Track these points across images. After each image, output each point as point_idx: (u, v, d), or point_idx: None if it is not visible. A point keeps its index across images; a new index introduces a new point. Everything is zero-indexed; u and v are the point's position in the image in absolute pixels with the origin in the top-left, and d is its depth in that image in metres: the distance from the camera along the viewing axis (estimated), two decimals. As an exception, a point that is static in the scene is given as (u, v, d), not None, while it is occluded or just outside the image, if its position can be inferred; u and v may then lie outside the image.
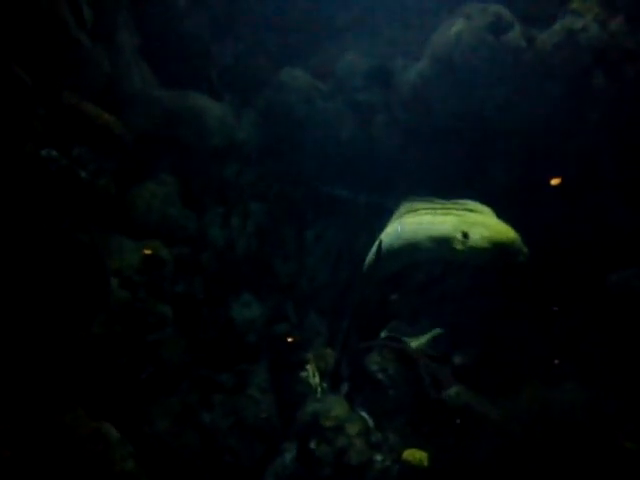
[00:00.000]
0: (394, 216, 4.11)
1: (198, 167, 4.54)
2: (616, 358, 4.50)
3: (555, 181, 4.75)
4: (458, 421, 4.19)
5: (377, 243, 4.03)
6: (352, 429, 4.09)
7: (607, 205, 4.47)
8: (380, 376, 4.26)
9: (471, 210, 3.78)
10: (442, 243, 3.71)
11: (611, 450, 4.39)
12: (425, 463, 4.07)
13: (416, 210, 3.93)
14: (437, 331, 4.34)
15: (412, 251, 3.87)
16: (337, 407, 4.13)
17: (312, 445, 4.07)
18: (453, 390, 4.34)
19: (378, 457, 4.15)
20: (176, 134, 4.47)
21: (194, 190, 4.52)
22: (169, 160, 4.45)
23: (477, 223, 3.68)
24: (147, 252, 3.98)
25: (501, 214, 4.54)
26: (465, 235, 3.64)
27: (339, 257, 4.76)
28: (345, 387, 4.29)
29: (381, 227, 4.18)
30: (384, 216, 4.17)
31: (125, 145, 3.89)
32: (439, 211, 3.83)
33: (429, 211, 3.87)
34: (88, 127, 3.64)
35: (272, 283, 4.67)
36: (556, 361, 4.29)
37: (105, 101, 3.89)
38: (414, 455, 4.12)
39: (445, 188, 4.36)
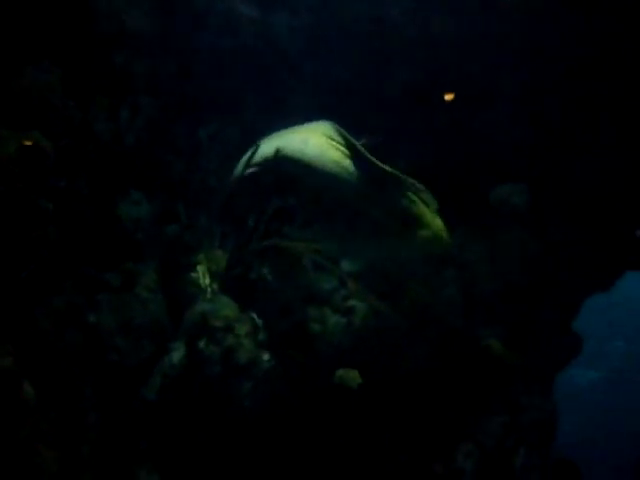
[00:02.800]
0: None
1: (84, 54, 4.20)
2: (496, 271, 4.84)
3: (449, 96, 4.86)
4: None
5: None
6: (241, 329, 4.16)
7: (499, 123, 4.65)
8: (270, 278, 4.32)
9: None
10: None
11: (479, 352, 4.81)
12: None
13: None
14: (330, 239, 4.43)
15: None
16: (227, 308, 4.17)
17: (201, 344, 4.11)
18: (340, 294, 4.51)
19: (266, 356, 4.28)
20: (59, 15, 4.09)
21: (79, 80, 4.21)
22: (51, 44, 4.09)
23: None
24: (26, 143, 3.73)
25: (393, 127, 4.65)
26: None
27: (234, 159, 4.66)
28: (235, 288, 4.32)
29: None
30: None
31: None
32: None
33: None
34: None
35: (163, 182, 4.52)
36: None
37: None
38: (298, 353, 4.30)
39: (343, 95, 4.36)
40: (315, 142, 3.79)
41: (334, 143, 3.78)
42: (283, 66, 4.87)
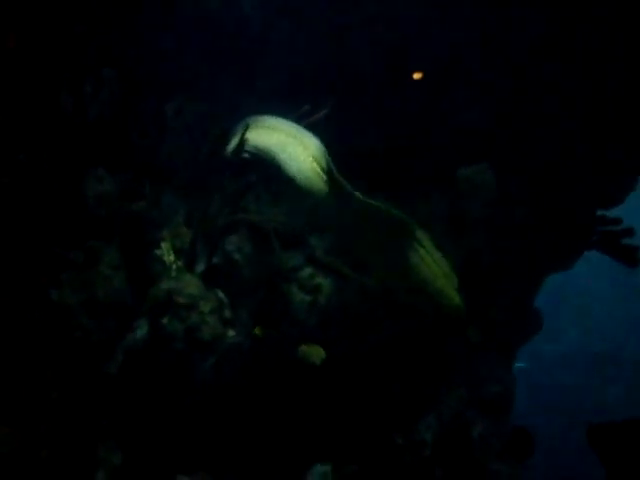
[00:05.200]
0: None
1: (43, 24, 4.07)
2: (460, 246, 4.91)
3: (417, 75, 4.84)
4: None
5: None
6: (206, 306, 4.17)
7: (463, 104, 4.65)
8: (236, 256, 4.33)
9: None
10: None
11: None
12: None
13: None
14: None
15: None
16: (191, 285, 4.16)
17: (164, 321, 4.12)
18: (306, 272, 4.54)
19: (230, 333, 4.31)
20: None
21: (38, 50, 4.08)
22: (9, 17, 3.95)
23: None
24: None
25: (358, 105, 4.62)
26: None
27: (202, 135, 4.60)
28: (201, 266, 4.32)
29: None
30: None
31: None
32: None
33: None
34: None
35: (128, 158, 4.45)
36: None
37: None
38: (264, 331, 4.34)
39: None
40: (302, 160, 3.53)
41: (319, 169, 3.49)
42: (249, 36, 4.77)
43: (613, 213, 5.30)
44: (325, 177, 3.46)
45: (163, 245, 4.23)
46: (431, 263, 3.48)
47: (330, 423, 4.70)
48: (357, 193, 3.38)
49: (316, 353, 4.39)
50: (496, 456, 5.28)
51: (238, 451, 4.36)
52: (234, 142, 4.05)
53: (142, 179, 4.41)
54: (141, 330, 4.17)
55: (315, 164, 3.47)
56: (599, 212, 5.34)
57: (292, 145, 3.58)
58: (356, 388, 4.76)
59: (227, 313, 4.28)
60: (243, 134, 3.91)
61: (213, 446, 4.26)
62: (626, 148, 4.84)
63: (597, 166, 4.90)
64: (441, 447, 5.07)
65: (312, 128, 4.00)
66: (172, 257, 4.24)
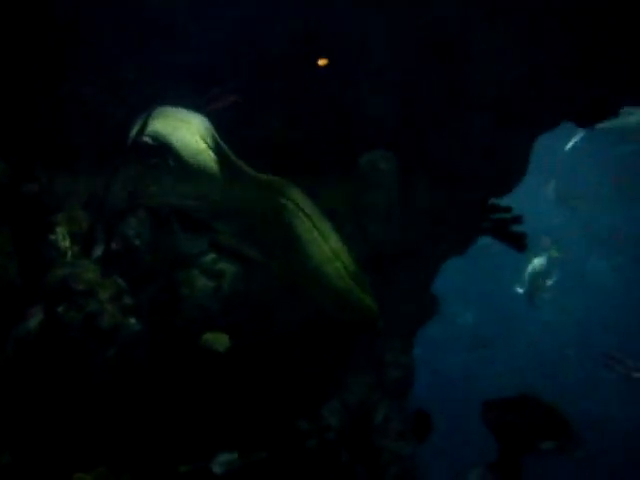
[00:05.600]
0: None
1: None
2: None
3: (322, 62, 4.89)
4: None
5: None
6: (104, 294, 4.03)
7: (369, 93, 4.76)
8: (136, 241, 4.21)
9: None
10: None
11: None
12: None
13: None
14: None
15: None
16: (89, 271, 4.01)
17: (60, 310, 3.94)
18: (209, 257, 4.49)
19: (131, 321, 4.19)
20: None
21: None
22: None
23: None
24: None
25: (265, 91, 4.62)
26: None
27: (101, 118, 4.44)
28: (98, 251, 4.17)
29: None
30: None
31: None
32: None
33: None
34: None
35: (20, 140, 4.22)
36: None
37: None
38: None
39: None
40: (189, 140, 3.68)
41: (205, 147, 3.69)
42: (157, 23, 4.64)
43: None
44: (213, 155, 3.67)
45: (58, 230, 4.04)
46: (318, 237, 3.55)
47: (235, 411, 4.67)
48: (245, 166, 3.52)
49: (220, 341, 4.35)
50: (398, 436, 5.44)
51: (140, 443, 4.24)
52: (136, 129, 4.04)
53: (35, 161, 4.19)
54: (35, 319, 3.97)
55: (202, 143, 3.70)
56: (491, 201, 5.61)
57: (182, 129, 3.80)
58: (261, 375, 4.76)
59: (127, 300, 4.16)
60: (144, 122, 3.98)
61: (113, 439, 4.12)
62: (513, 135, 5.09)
63: (487, 154, 5.15)
64: (346, 431, 5.17)
65: (218, 114, 4.07)
66: (67, 242, 4.06)
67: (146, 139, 3.97)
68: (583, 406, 13.25)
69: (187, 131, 3.75)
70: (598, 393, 16.90)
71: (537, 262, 14.79)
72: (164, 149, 3.89)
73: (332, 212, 4.76)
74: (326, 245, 3.45)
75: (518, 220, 5.49)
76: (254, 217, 3.69)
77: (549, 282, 15.17)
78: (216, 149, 3.61)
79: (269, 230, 3.56)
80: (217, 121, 4.02)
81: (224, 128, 3.97)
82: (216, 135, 3.60)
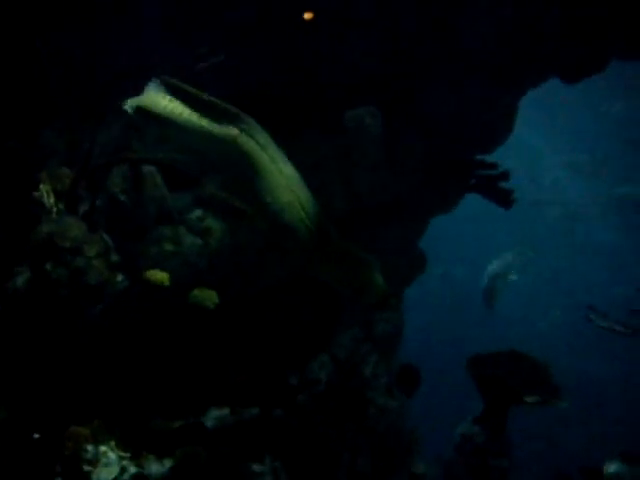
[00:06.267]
0: None
1: None
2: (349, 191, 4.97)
3: (308, 15, 4.81)
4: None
5: None
6: (91, 250, 4.02)
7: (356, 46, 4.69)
8: (121, 197, 4.18)
9: None
10: None
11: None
12: (166, 282, 4.22)
13: None
14: None
15: None
16: (74, 228, 3.98)
17: (47, 267, 3.93)
18: (196, 213, 4.47)
19: (119, 277, 4.19)
20: None
21: None
22: None
23: None
24: None
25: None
26: None
27: (79, 72, 4.36)
28: (84, 208, 4.14)
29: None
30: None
31: None
32: None
33: None
34: None
35: (3, 97, 4.13)
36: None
37: None
38: (155, 275, 4.24)
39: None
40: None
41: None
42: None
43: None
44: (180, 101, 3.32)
45: (42, 187, 4.00)
46: (273, 169, 3.41)
47: (225, 367, 4.71)
48: (203, 94, 3.34)
49: (209, 297, 4.35)
50: (386, 391, 5.53)
51: (133, 397, 4.28)
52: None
53: (18, 118, 4.12)
54: (22, 277, 3.95)
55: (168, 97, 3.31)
56: (478, 157, 5.60)
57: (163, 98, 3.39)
58: (249, 330, 4.80)
59: (114, 257, 4.15)
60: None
61: (106, 393, 4.15)
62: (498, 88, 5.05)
63: (473, 108, 5.12)
64: (335, 385, 5.23)
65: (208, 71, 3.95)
66: (52, 199, 4.02)
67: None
68: (567, 362, 13.54)
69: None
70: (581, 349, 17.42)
71: (496, 263, 14.60)
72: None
73: (317, 165, 4.79)
74: (281, 176, 3.33)
75: (505, 176, 5.48)
76: (222, 156, 3.49)
77: (513, 277, 14.78)
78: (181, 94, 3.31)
79: (232, 166, 3.40)
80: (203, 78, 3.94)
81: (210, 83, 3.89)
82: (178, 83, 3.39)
